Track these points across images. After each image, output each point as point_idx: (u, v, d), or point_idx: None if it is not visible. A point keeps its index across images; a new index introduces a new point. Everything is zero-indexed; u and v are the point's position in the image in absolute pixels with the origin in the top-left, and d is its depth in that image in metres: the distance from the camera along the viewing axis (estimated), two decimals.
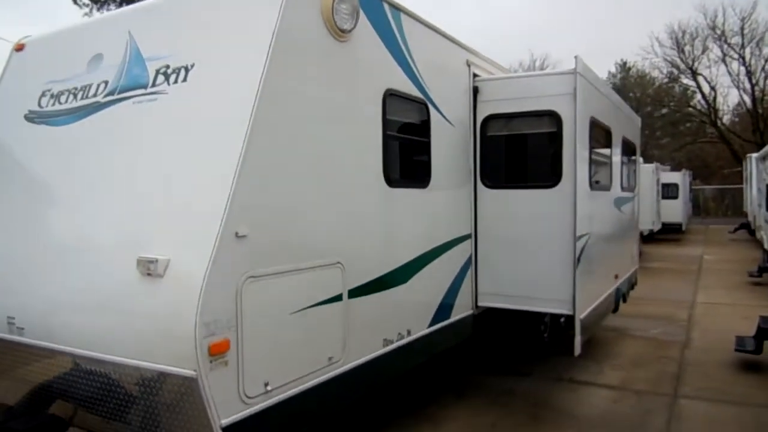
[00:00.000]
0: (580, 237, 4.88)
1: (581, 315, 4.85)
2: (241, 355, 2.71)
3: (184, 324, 2.52)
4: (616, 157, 6.75)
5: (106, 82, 3.61)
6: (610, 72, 46.01)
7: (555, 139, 5.00)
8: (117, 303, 2.87)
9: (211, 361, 2.56)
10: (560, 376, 5.87)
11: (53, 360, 3.23)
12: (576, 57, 4.90)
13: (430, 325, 4.43)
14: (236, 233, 2.70)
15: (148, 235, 2.88)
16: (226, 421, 2.62)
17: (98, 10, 23.58)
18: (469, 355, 5.93)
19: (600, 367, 6.17)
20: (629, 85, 43.91)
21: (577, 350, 4.86)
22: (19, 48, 4.42)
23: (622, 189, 7.15)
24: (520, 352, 6.47)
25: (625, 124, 7.42)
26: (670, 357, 6.55)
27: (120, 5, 23.84)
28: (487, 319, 5.32)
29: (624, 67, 45.21)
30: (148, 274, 2.72)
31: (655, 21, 65.25)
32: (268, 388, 2.86)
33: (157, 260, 2.69)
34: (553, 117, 5.01)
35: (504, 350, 6.49)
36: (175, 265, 2.68)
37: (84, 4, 23.41)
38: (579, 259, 4.84)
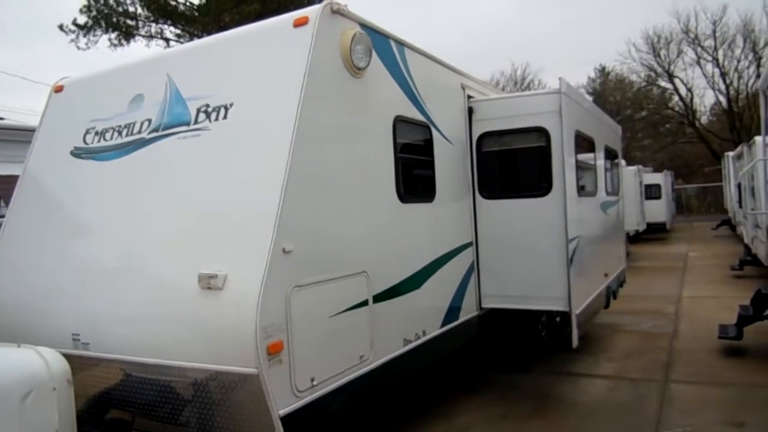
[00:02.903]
0: (572, 240, 5.39)
1: (576, 310, 5.35)
2: (292, 354, 3.16)
3: (246, 328, 2.97)
4: (600, 165, 7.29)
5: (150, 120, 4.06)
6: (589, 77, 47.11)
7: (544, 152, 5.52)
8: (179, 314, 3.30)
9: (269, 360, 3.01)
10: (560, 370, 6.34)
11: (114, 370, 3.65)
12: (560, 78, 5.45)
13: (442, 326, 4.90)
14: (283, 249, 3.15)
15: (204, 254, 3.32)
16: (282, 412, 3.06)
17: (84, 36, 24.02)
18: (476, 355, 6.39)
19: (596, 359, 6.66)
20: (609, 89, 44.96)
21: (575, 343, 5.35)
22: (59, 89, 4.86)
23: (607, 193, 7.69)
24: (521, 350, 6.94)
25: (607, 133, 7.98)
26: (660, 347, 7.06)
27: (106, 32, 24.35)
28: (491, 319, 5.79)
29: (603, 71, 46.31)
30: (209, 288, 3.16)
31: (631, 26, 66.89)
32: (314, 382, 3.32)
33: (216, 275, 3.14)
34: (542, 132, 5.53)
35: (507, 349, 6.95)
36: (232, 278, 3.13)
37: (70, 30, 23.83)
38: (572, 260, 5.34)
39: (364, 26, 4.05)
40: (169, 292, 3.39)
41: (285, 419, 3.06)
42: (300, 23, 3.66)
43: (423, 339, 4.55)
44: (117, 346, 3.57)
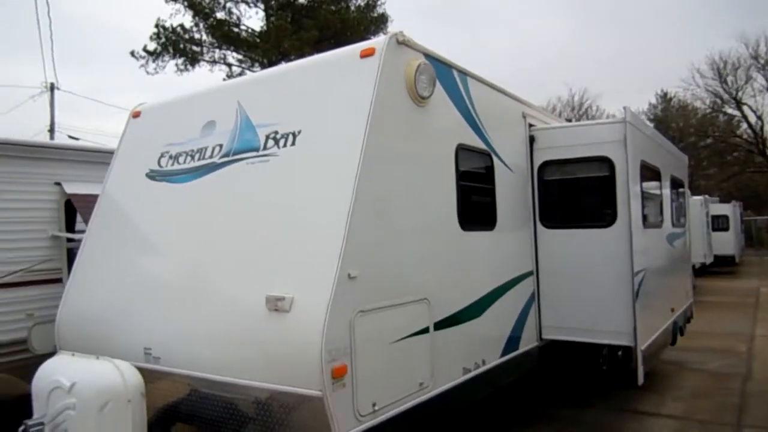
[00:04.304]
0: (638, 273, 5.22)
1: (642, 346, 5.15)
2: (355, 378, 3.18)
3: (311, 351, 3.02)
4: (666, 195, 7.07)
5: (221, 145, 4.24)
6: (650, 103, 45.95)
7: (608, 182, 5.41)
8: (247, 334, 3.39)
9: (333, 383, 3.04)
10: (623, 407, 6.09)
11: (182, 385, 3.77)
12: (625, 107, 5.36)
13: (502, 355, 4.82)
14: (349, 274, 3.20)
15: (271, 276, 3.41)
16: None
17: (153, 61, 25.35)
18: (536, 387, 6.22)
19: (662, 398, 6.37)
20: (671, 116, 43.63)
21: (640, 380, 5.14)
22: (136, 115, 5.15)
23: (673, 225, 7.43)
24: (582, 384, 6.71)
25: (673, 162, 7.75)
26: (731, 388, 6.68)
27: (173, 57, 25.62)
28: (551, 351, 5.65)
29: (665, 98, 45.09)
30: (276, 310, 3.24)
31: (694, 51, 64.95)
32: (376, 407, 3.32)
33: (284, 298, 3.22)
34: (606, 162, 5.43)
35: (567, 382, 6.74)
36: (299, 301, 3.20)
37: (140, 56, 25.20)
38: (637, 294, 5.17)
39: (428, 56, 4.11)
40: (236, 312, 3.49)
41: None
42: (366, 54, 3.77)
43: (483, 368, 4.48)
44: (186, 362, 3.69)
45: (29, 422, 3.23)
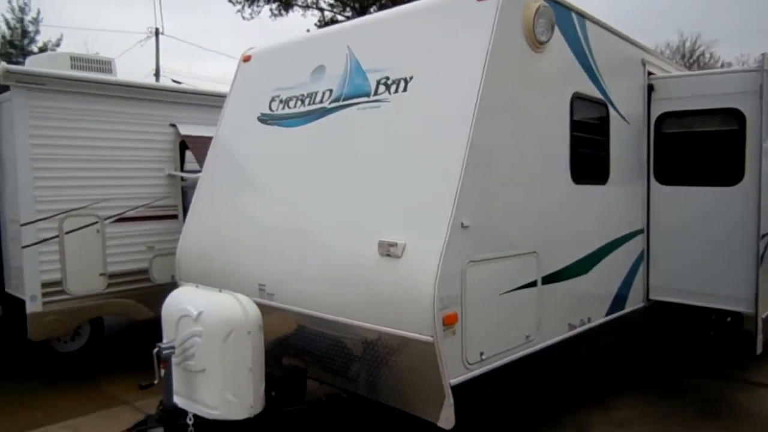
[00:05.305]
0: (764, 236, 4.84)
1: (763, 314, 4.82)
2: (465, 327, 3.21)
3: (424, 297, 3.06)
4: None
5: (331, 90, 4.26)
6: None
7: (737, 136, 4.98)
8: (357, 277, 3.48)
9: (444, 330, 3.07)
10: (734, 375, 5.77)
11: (292, 321, 3.96)
12: (764, 54, 4.84)
13: (607, 314, 4.69)
14: (462, 224, 3.18)
15: (383, 222, 3.45)
16: (453, 381, 3.14)
17: (249, 7, 25.71)
18: (640, 348, 6.03)
19: None
20: None
21: (759, 349, 4.85)
22: (246, 59, 5.26)
23: None
24: (688, 348, 6.43)
25: None
26: None
27: (268, 2, 25.84)
28: (657, 313, 5.43)
29: None
30: (388, 255, 3.29)
31: None
32: (483, 356, 3.35)
33: (396, 243, 3.25)
34: (736, 114, 4.98)
35: (672, 346, 6.48)
36: (411, 248, 3.22)
37: (237, 2, 25.62)
38: (762, 258, 4.81)
39: None
40: (348, 255, 3.57)
41: (455, 389, 3.13)
42: None
43: (587, 326, 4.39)
44: (298, 300, 3.86)
45: (162, 345, 3.50)
